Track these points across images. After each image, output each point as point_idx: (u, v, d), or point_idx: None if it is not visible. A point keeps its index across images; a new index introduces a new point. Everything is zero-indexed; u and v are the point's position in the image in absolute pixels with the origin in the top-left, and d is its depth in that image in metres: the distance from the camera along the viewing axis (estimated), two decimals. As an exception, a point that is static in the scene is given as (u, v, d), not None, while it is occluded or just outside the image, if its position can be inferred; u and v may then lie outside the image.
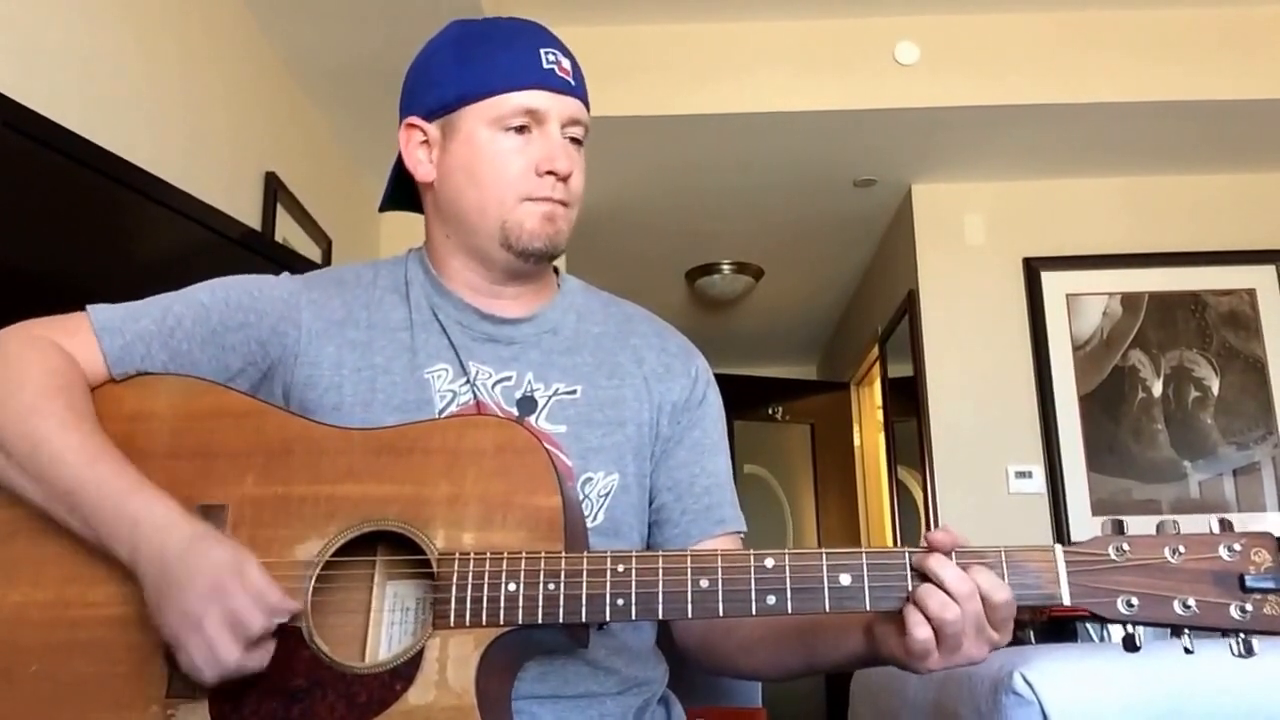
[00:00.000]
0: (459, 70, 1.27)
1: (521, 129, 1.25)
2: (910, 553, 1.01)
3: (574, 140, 1.29)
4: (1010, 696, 1.54)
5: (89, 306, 1.23)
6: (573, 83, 1.28)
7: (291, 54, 3.40)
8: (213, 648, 0.99)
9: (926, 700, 1.92)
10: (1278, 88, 3.82)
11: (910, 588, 1.00)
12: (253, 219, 3.14)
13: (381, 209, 1.43)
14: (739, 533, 1.35)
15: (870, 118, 3.93)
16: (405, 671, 1.03)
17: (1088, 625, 3.11)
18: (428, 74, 1.31)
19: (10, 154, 1.79)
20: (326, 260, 3.71)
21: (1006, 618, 1.00)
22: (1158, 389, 4.24)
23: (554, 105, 1.26)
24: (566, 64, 1.28)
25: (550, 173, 1.25)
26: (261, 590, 1.00)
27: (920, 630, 0.98)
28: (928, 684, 1.92)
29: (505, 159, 1.25)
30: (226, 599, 0.99)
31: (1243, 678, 1.54)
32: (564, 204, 1.27)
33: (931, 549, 1.01)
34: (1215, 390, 4.23)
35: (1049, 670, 1.54)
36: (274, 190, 3.29)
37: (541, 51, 1.26)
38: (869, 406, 6.17)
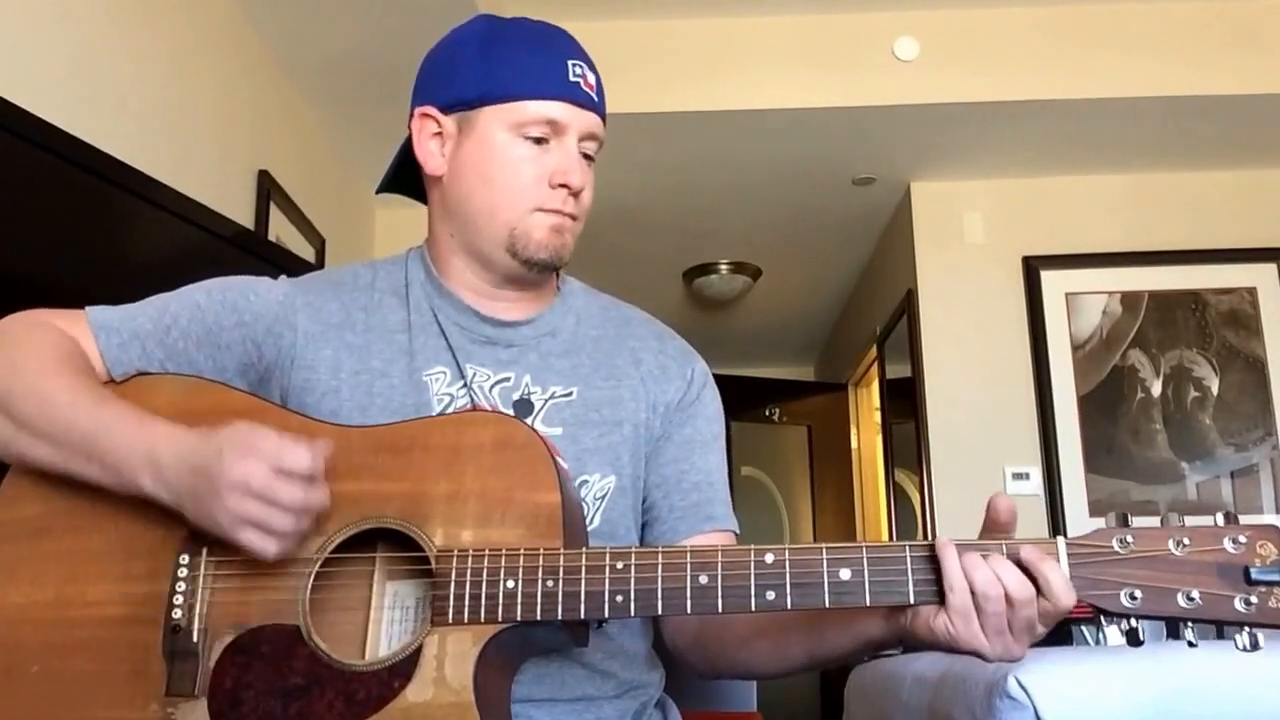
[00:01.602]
0: (483, 68, 1.26)
1: (540, 139, 1.25)
2: (910, 546, 1.01)
3: (587, 156, 1.30)
4: (1004, 700, 1.53)
5: (87, 308, 1.24)
6: (595, 98, 1.28)
7: (282, 50, 3.39)
8: (274, 497, 1.00)
9: (921, 703, 1.92)
10: (1279, 83, 3.81)
11: (911, 582, 1.00)
12: (245, 218, 3.13)
13: (379, 190, 1.42)
14: (730, 532, 1.33)
15: (869, 115, 3.92)
16: (403, 669, 1.02)
17: (1083, 628, 3.10)
18: (449, 66, 1.30)
19: (-2, 152, 1.79)
20: (320, 259, 3.71)
21: (1059, 616, 1.00)
22: (1157, 389, 4.23)
23: (575, 119, 1.26)
24: (591, 78, 1.28)
25: (563, 185, 1.25)
26: (285, 436, 1.03)
27: (959, 584, 0.99)
28: (922, 686, 1.91)
29: (520, 166, 1.25)
30: (263, 445, 1.01)
31: (1238, 682, 1.54)
32: (573, 217, 1.28)
33: (991, 512, 1.04)
34: (1215, 390, 4.21)
35: (1043, 674, 1.54)
36: (267, 189, 3.28)
37: (569, 63, 1.26)
38: (866, 408, 6.16)
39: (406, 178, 1.37)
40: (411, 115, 1.31)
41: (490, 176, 1.25)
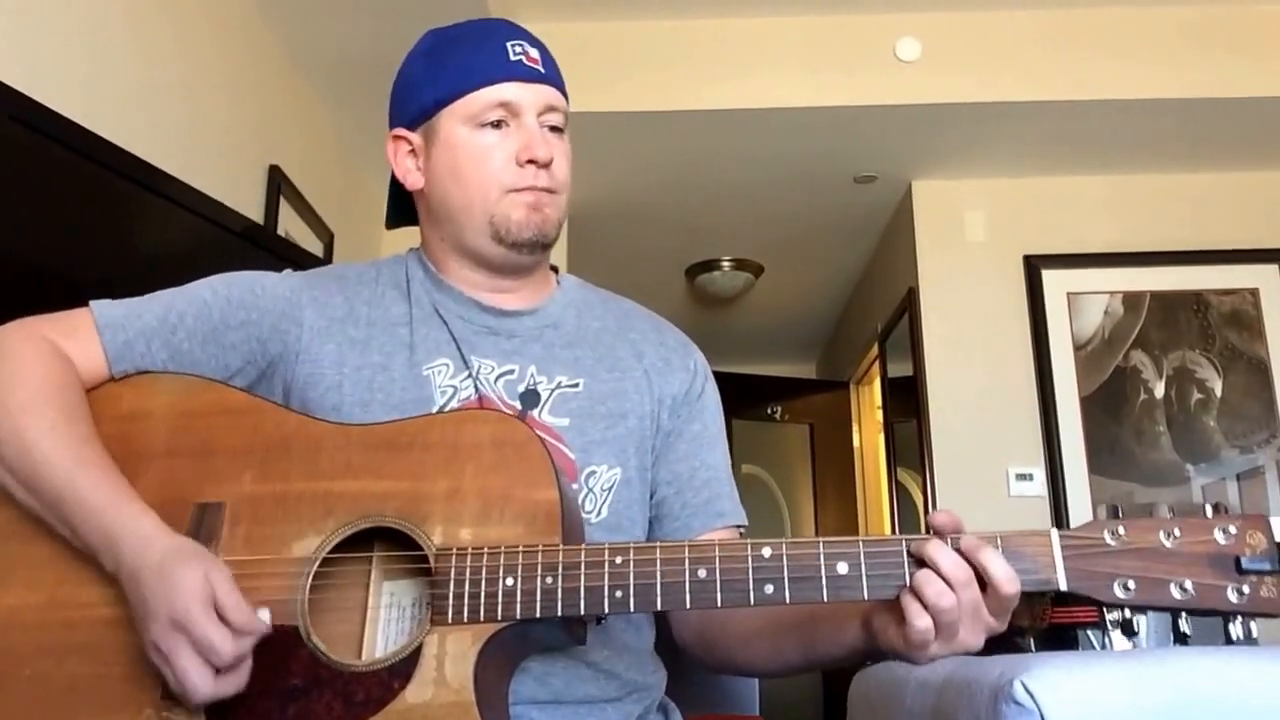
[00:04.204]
0: (433, 76, 1.29)
1: (498, 123, 1.27)
2: (907, 540, 1.01)
3: (554, 128, 1.30)
4: (1010, 705, 1.53)
5: (92, 303, 1.23)
6: (543, 70, 1.29)
7: (294, 46, 3.40)
8: (185, 679, 0.98)
9: (925, 708, 1.91)
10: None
11: (907, 575, 1.00)
12: (255, 212, 3.14)
13: (388, 226, 1.45)
14: (739, 526, 1.35)
15: (871, 114, 3.93)
16: (403, 669, 1.02)
17: (1088, 633, 3.10)
18: (406, 85, 1.33)
19: (12, 145, 1.80)
20: (329, 254, 3.72)
21: (1009, 607, 1.00)
22: (1160, 390, 4.21)
23: (526, 95, 1.27)
24: (535, 53, 1.29)
25: (531, 161, 1.26)
26: (230, 616, 0.98)
27: (920, 620, 0.98)
28: (926, 691, 1.91)
29: (485, 154, 1.26)
30: (193, 629, 0.97)
31: (1244, 686, 1.53)
32: (550, 191, 1.28)
33: (931, 530, 1.01)
34: (1218, 392, 4.19)
35: (1049, 678, 1.53)
36: (277, 184, 3.29)
37: (508, 44, 1.28)
38: (868, 406, 6.15)
39: (407, 207, 1.39)
40: (387, 143, 1.34)
41: (461, 173, 1.27)
